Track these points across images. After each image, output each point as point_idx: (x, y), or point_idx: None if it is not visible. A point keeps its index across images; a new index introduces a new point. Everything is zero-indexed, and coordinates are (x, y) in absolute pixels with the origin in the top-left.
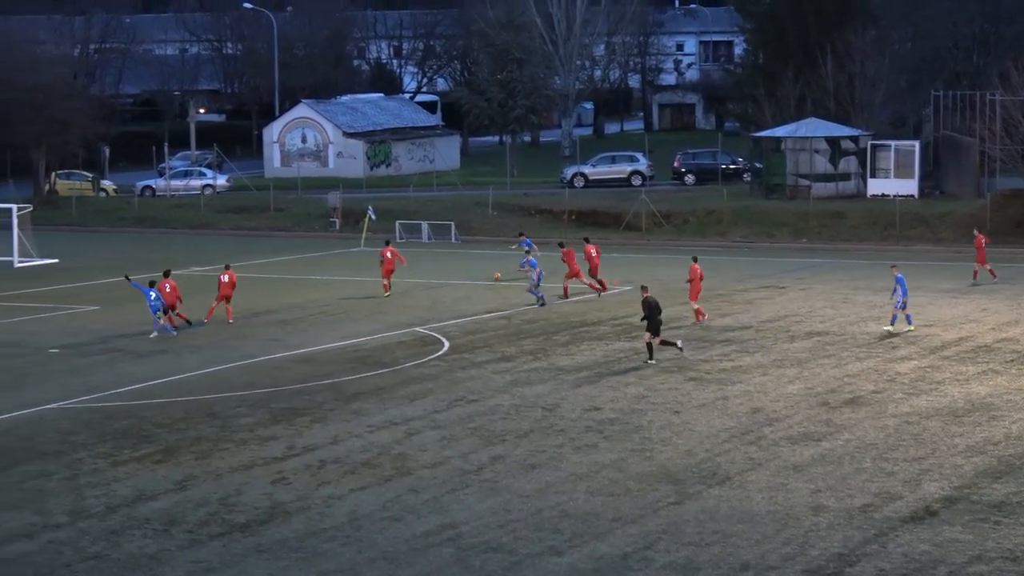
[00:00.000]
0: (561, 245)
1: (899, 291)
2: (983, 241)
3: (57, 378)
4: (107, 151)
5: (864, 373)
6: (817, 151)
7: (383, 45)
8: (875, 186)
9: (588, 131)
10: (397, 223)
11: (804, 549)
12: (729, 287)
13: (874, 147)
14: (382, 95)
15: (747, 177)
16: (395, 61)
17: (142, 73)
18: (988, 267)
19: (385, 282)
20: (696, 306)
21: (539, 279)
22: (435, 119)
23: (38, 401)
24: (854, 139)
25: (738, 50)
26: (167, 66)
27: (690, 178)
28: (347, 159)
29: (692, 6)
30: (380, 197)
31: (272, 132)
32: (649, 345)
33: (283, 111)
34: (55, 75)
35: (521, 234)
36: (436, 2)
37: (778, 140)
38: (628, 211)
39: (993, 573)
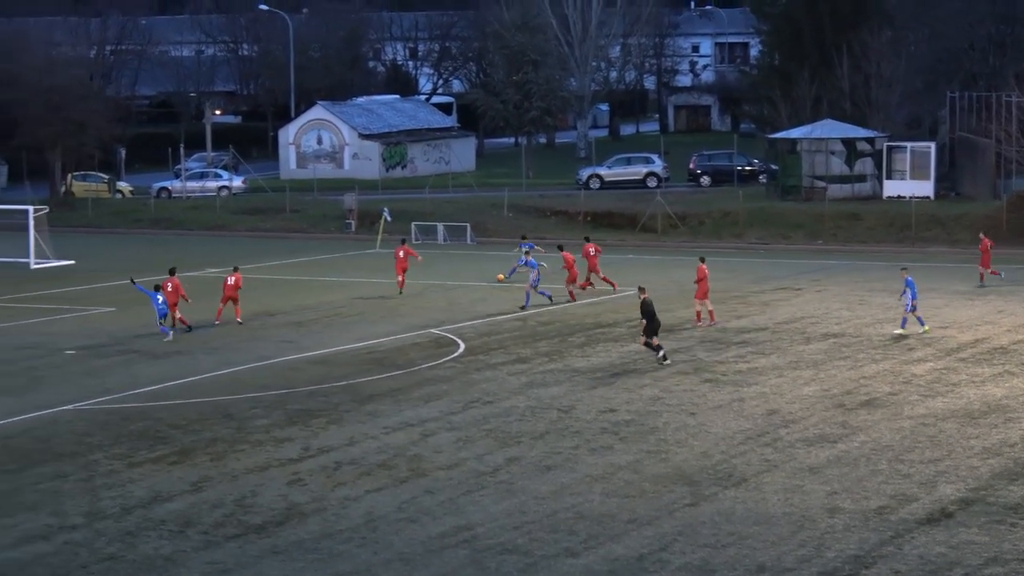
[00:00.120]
0: (560, 248)
1: (908, 293)
2: (988, 244)
3: (73, 379)
4: (123, 153)
5: (880, 375)
6: (833, 153)
7: (399, 47)
8: (891, 188)
9: (604, 133)
10: (413, 224)
11: (820, 551)
12: (745, 289)
13: (890, 149)
14: (398, 97)
15: (763, 179)
16: (411, 63)
17: (158, 75)
18: (991, 270)
19: (400, 279)
20: (701, 307)
21: (537, 281)
22: (451, 121)
23: (54, 402)
24: (870, 140)
25: (754, 51)
26: (183, 68)
27: (706, 180)
28: (363, 161)
29: (708, 7)
30: (396, 199)
31: (288, 134)
32: (649, 344)
33: (299, 113)
34: (71, 77)
35: (524, 237)
36: (452, 4)
37: (794, 142)
38: (644, 213)
39: (1009, 575)
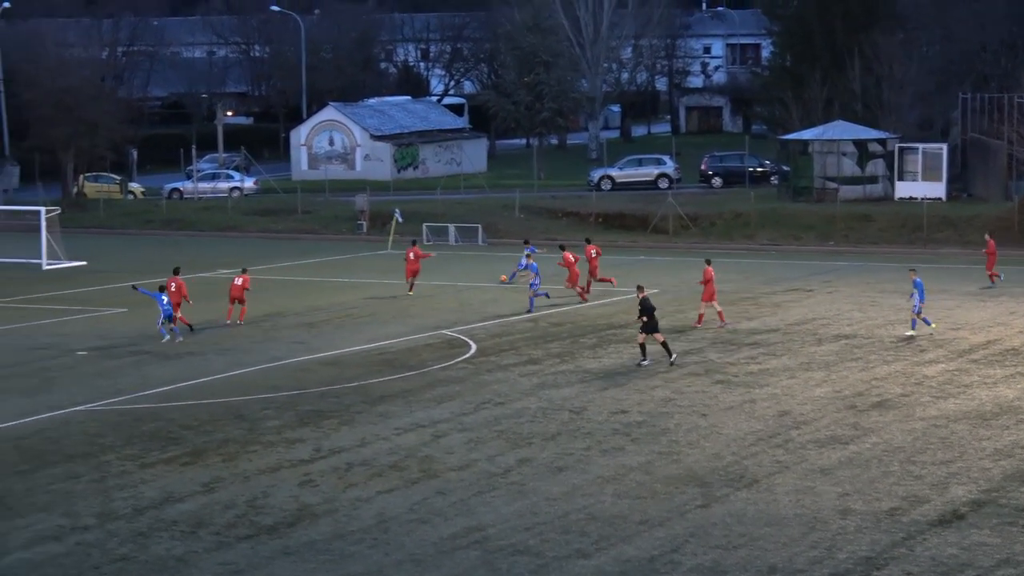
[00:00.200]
0: (562, 248)
1: (915, 295)
2: (994, 246)
3: (85, 380)
4: (135, 154)
5: (892, 376)
6: (844, 154)
7: (410, 48)
8: (902, 189)
9: (615, 134)
10: (424, 226)
11: (832, 552)
12: (756, 290)
13: (902, 150)
14: (409, 98)
15: (774, 180)
16: (422, 64)
17: (170, 76)
18: (991, 272)
19: (411, 281)
20: (707, 309)
21: (537, 284)
22: (462, 122)
23: (66, 403)
24: (881, 142)
25: (765, 53)
26: (195, 69)
27: (717, 181)
28: (374, 162)
29: (719, 9)
30: (407, 200)
31: (299, 135)
32: (643, 345)
33: (310, 114)
34: (83, 78)
35: (527, 241)
36: (463, 5)
37: (805, 143)
38: (655, 214)
39: None
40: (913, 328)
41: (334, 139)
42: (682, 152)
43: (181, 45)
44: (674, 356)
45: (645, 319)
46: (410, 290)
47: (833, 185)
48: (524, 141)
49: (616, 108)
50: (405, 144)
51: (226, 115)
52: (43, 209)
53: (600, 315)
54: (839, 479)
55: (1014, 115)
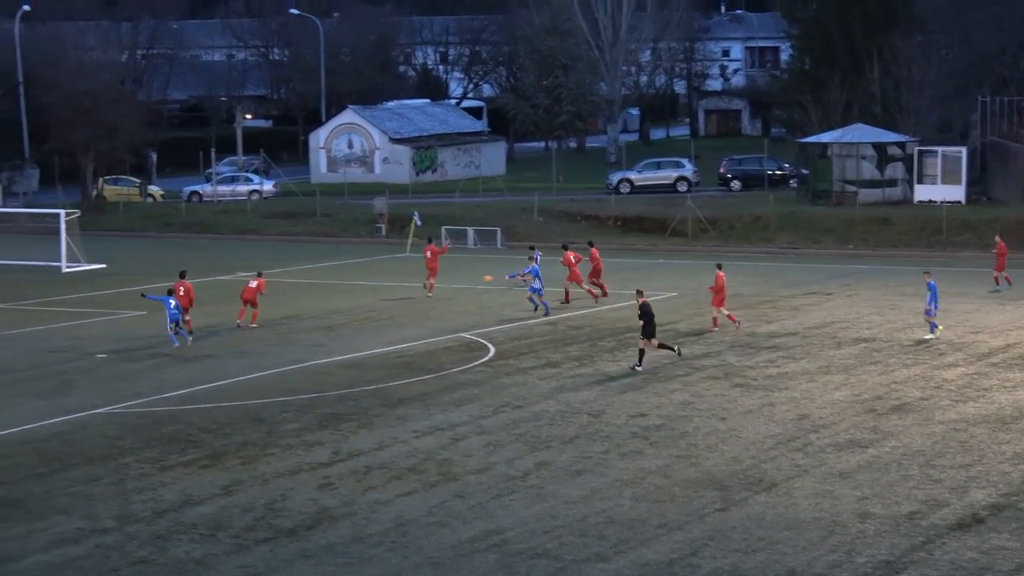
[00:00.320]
0: (565, 248)
1: (930, 298)
2: (1004, 247)
3: (104, 383)
4: (154, 157)
5: (911, 380)
6: (864, 157)
7: (429, 51)
8: (922, 192)
9: (634, 137)
10: (443, 229)
11: (851, 556)
12: (775, 293)
13: (921, 153)
14: (428, 101)
15: (793, 183)
16: (441, 67)
17: (189, 79)
18: (995, 275)
19: (429, 282)
20: (718, 313)
21: (538, 289)
22: (481, 125)
23: (85, 406)
24: (901, 145)
25: (784, 56)
26: (214, 72)
27: (736, 184)
28: (393, 165)
29: (738, 12)
30: (426, 203)
31: (318, 138)
32: (661, 345)
33: (329, 117)
34: (103, 81)
35: (532, 247)
36: (482, 8)
37: (824, 146)
38: (674, 217)
39: None
40: (932, 331)
41: (353, 142)
42: (701, 155)
43: (200, 48)
44: (640, 368)
45: (642, 321)
46: (429, 291)
47: (852, 188)
48: (543, 144)
49: (635, 111)
50: (424, 147)
51: (245, 118)
52: (63, 212)
53: (619, 318)
54: (858, 483)
55: None
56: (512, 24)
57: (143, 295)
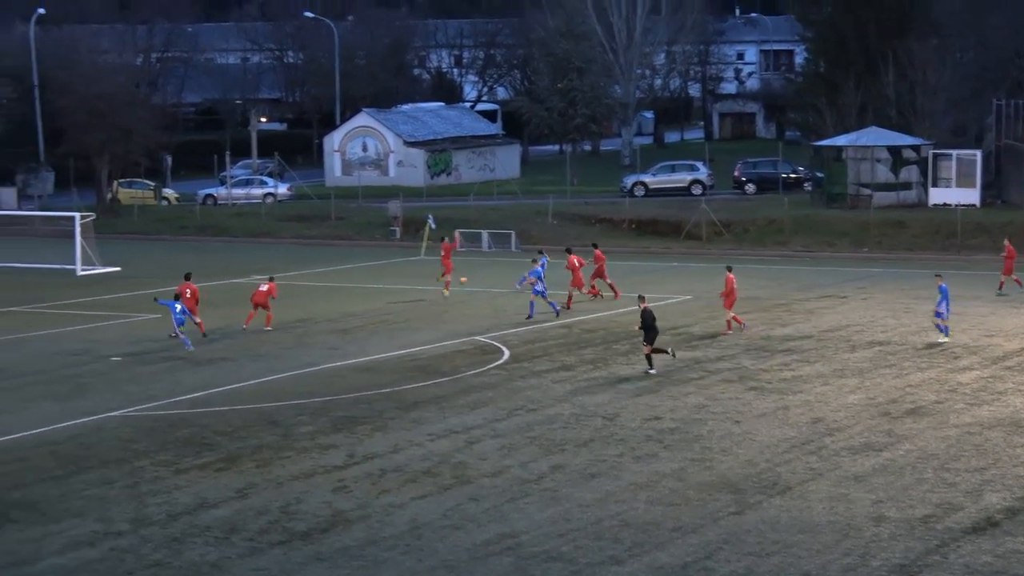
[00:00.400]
0: (568, 251)
1: (941, 301)
2: (1013, 251)
3: (119, 386)
4: (169, 160)
5: (925, 383)
6: (878, 160)
7: (444, 54)
8: (936, 195)
9: (648, 140)
10: (457, 232)
11: (865, 560)
12: (789, 296)
13: (935, 156)
14: (443, 104)
15: (808, 186)
16: (455, 70)
17: (204, 82)
18: (1010, 279)
19: (445, 279)
20: (731, 315)
21: (542, 291)
22: (495, 128)
23: (100, 409)
24: (915, 148)
25: (799, 59)
26: (229, 75)
27: (750, 187)
28: (407, 168)
29: (753, 15)
30: (440, 206)
31: (333, 141)
32: (651, 356)
33: (344, 120)
34: (117, 84)
35: (540, 251)
36: (497, 11)
37: (839, 149)
38: (688, 220)
39: None
40: (947, 335)
41: (367, 145)
42: (715, 158)
43: (215, 51)
44: (653, 371)
45: (640, 328)
46: (445, 289)
47: (867, 191)
48: (557, 147)
49: (649, 114)
50: (438, 150)
51: (260, 121)
52: (77, 215)
53: (633, 321)
54: (873, 486)
55: None
56: (526, 27)
57: (155, 300)
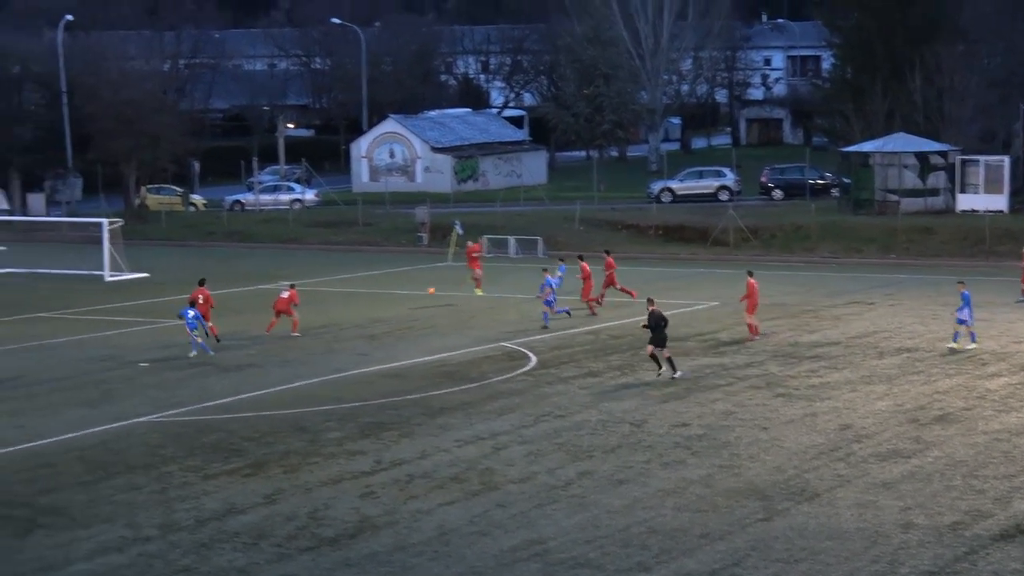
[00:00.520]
0: (581, 258)
1: (965, 308)
2: None
3: (146, 392)
4: (197, 166)
5: (954, 390)
6: (906, 166)
7: (470, 60)
8: (964, 201)
9: (675, 146)
10: (484, 238)
11: (894, 567)
12: (817, 303)
13: (963, 162)
14: (469, 110)
15: (835, 192)
16: (482, 76)
17: (231, 88)
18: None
19: (476, 278)
20: (751, 320)
21: (552, 300)
22: (522, 134)
23: (128, 414)
24: (943, 154)
25: (826, 65)
26: (256, 81)
27: (778, 193)
28: (434, 174)
29: (780, 21)
30: (467, 212)
31: (360, 147)
32: (654, 356)
33: (371, 126)
34: (145, 90)
35: (561, 259)
36: (523, 17)
37: (866, 155)
38: (715, 226)
39: None
40: (973, 341)
41: (394, 151)
42: (742, 164)
43: (242, 58)
44: (663, 371)
45: (647, 327)
46: (477, 288)
47: (894, 197)
48: (584, 153)
49: (676, 120)
50: (465, 156)
51: (287, 127)
52: (105, 221)
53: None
54: (901, 493)
55: None
56: (553, 33)
57: (180, 316)
